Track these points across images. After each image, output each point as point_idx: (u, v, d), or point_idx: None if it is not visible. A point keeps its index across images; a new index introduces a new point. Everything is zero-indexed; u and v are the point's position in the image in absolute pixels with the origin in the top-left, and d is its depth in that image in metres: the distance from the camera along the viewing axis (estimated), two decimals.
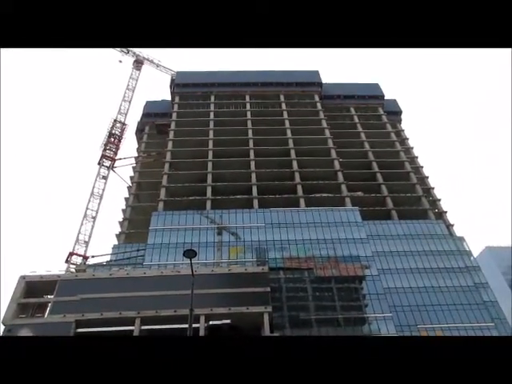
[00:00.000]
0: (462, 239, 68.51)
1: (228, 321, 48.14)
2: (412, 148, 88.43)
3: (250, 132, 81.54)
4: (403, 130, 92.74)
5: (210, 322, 47.35)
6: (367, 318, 54.04)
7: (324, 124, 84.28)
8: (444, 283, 59.50)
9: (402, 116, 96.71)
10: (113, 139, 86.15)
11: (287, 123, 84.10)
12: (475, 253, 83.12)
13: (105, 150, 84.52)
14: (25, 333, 43.36)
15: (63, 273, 55.43)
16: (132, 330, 45.50)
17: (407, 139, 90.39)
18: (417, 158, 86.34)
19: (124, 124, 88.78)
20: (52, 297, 49.26)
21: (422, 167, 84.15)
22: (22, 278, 50.11)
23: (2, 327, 45.93)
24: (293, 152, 77.74)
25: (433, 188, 79.55)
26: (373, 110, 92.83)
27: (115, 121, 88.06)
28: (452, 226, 71.25)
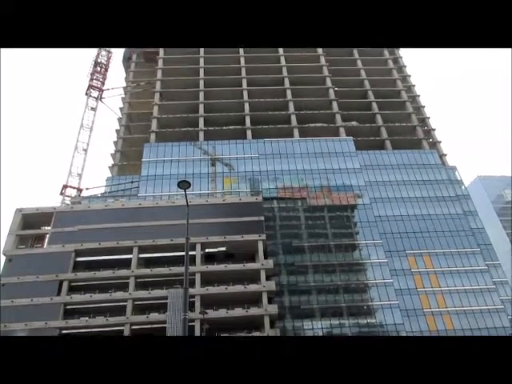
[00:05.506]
0: (453, 169, 69.09)
1: (223, 248, 49.73)
2: (409, 76, 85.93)
3: (242, 60, 78.29)
4: (401, 57, 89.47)
5: (206, 250, 48.90)
6: (358, 244, 55.90)
7: (319, 51, 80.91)
8: (434, 211, 60.92)
9: None
10: (99, 68, 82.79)
11: (280, 50, 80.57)
12: (467, 182, 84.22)
13: (91, 79, 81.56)
14: (24, 261, 44.53)
15: (59, 205, 55.84)
16: (130, 259, 47.03)
17: (405, 67, 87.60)
18: (414, 86, 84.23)
19: (109, 52, 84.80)
20: (50, 228, 50.08)
21: (419, 96, 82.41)
22: (19, 210, 50.52)
23: (3, 258, 47.22)
24: (287, 80, 75.40)
25: (428, 117, 78.47)
26: None
27: (100, 48, 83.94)
28: (445, 155, 71.40)
